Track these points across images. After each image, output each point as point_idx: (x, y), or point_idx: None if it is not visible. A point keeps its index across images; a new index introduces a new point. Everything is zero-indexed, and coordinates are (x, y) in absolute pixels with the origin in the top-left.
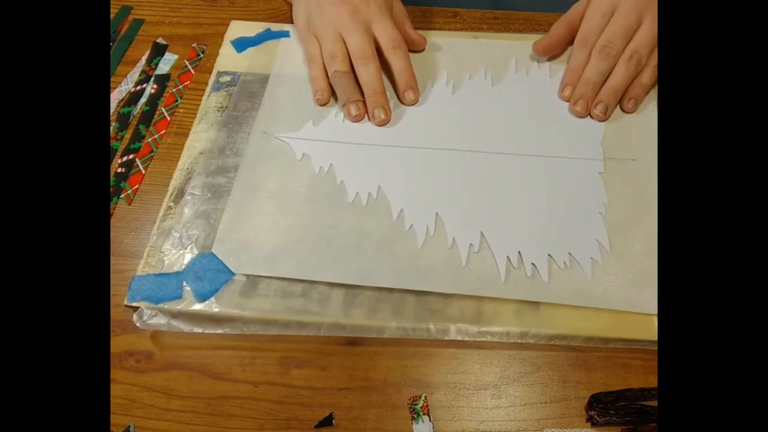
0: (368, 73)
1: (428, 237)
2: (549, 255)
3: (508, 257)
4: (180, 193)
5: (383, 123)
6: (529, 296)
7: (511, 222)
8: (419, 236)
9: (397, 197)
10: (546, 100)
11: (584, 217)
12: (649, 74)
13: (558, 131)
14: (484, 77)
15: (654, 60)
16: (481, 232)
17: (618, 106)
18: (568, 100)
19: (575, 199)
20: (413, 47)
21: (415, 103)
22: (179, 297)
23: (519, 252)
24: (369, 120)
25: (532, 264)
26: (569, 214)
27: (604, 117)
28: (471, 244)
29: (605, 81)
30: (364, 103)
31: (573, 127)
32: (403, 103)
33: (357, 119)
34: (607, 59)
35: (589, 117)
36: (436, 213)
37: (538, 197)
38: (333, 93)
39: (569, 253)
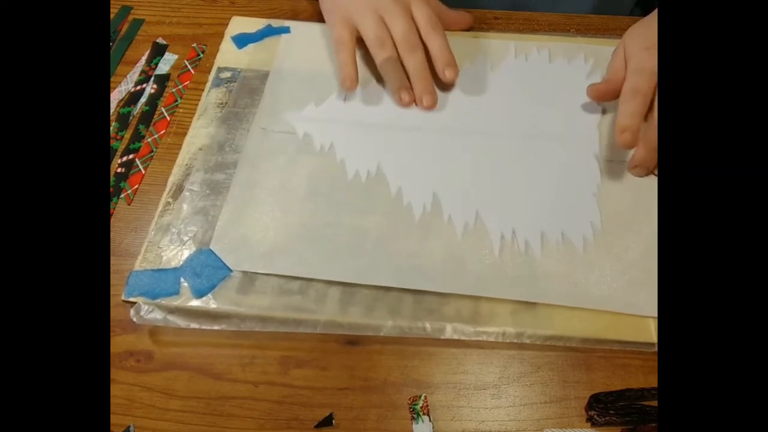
0: (416, 60)
1: (425, 213)
2: (542, 233)
3: (502, 234)
4: (179, 189)
5: (430, 107)
6: (526, 297)
7: (506, 201)
8: (416, 212)
9: (395, 175)
10: (544, 84)
11: (578, 197)
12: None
13: (555, 114)
14: (484, 62)
15: None
16: (477, 210)
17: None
18: (625, 147)
19: (570, 180)
20: (457, 26)
21: (455, 80)
22: (176, 293)
23: (513, 229)
24: (416, 105)
25: (526, 241)
26: (563, 195)
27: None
28: (466, 222)
29: None
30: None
31: (570, 111)
32: (443, 81)
33: (408, 105)
34: None
35: (589, 101)
36: (433, 191)
37: (533, 178)
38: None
39: (562, 232)
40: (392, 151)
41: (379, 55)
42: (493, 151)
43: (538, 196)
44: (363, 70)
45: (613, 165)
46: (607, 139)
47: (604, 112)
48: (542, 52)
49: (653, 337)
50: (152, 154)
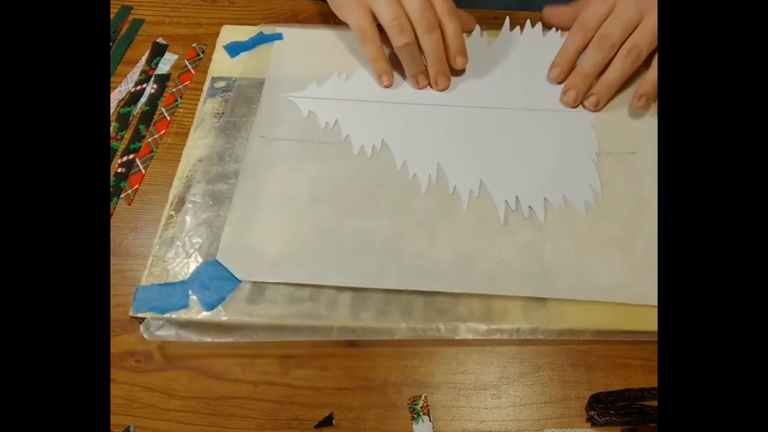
0: (433, 41)
1: (431, 184)
2: (545, 198)
3: (506, 201)
4: (180, 202)
5: (444, 89)
6: (536, 293)
7: (508, 170)
8: (422, 183)
9: (400, 149)
10: (539, 57)
11: (577, 164)
12: (654, 70)
13: (552, 87)
14: (479, 36)
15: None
16: (481, 180)
17: (612, 100)
18: (554, 81)
19: (569, 149)
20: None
21: (464, 67)
22: (185, 306)
23: (517, 196)
24: (430, 87)
25: (529, 207)
26: (563, 162)
27: (595, 109)
28: (471, 190)
29: (599, 73)
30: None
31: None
32: (453, 68)
33: (423, 88)
34: (602, 51)
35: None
36: (438, 163)
37: (533, 148)
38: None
39: (564, 197)
40: (396, 125)
41: (398, 41)
42: (494, 122)
43: (538, 164)
44: None
45: (614, 157)
46: (602, 121)
47: (605, 123)
48: (536, 25)
49: None
50: (152, 154)
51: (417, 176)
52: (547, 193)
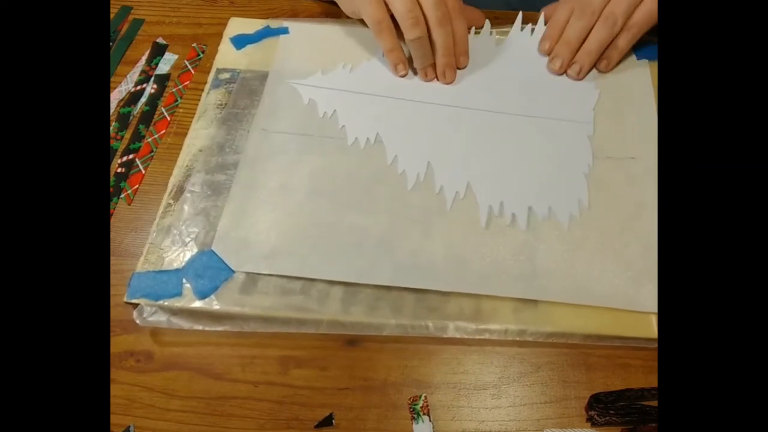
0: (445, 34)
1: (418, 181)
2: (529, 207)
3: (490, 206)
4: (179, 190)
5: (451, 82)
6: (528, 294)
7: (497, 175)
8: (410, 180)
9: (393, 144)
10: (545, 62)
11: (568, 176)
12: (624, 38)
13: (553, 93)
14: (489, 34)
15: (631, 26)
16: (468, 182)
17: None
18: (545, 54)
19: (562, 159)
20: (472, 23)
21: (466, 65)
22: (179, 294)
23: (501, 202)
24: (437, 79)
25: (513, 214)
26: (554, 173)
27: (578, 77)
28: (457, 192)
29: (582, 40)
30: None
31: (568, 91)
32: (456, 68)
33: (430, 80)
34: (583, 18)
35: (584, 80)
36: (428, 162)
37: (526, 155)
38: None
39: (549, 207)
40: (392, 121)
41: (412, 33)
42: (490, 126)
43: (529, 172)
44: (373, 41)
45: (613, 162)
46: (602, 125)
47: (601, 95)
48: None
49: (655, 333)
50: (152, 154)
51: (406, 173)
52: (533, 202)
